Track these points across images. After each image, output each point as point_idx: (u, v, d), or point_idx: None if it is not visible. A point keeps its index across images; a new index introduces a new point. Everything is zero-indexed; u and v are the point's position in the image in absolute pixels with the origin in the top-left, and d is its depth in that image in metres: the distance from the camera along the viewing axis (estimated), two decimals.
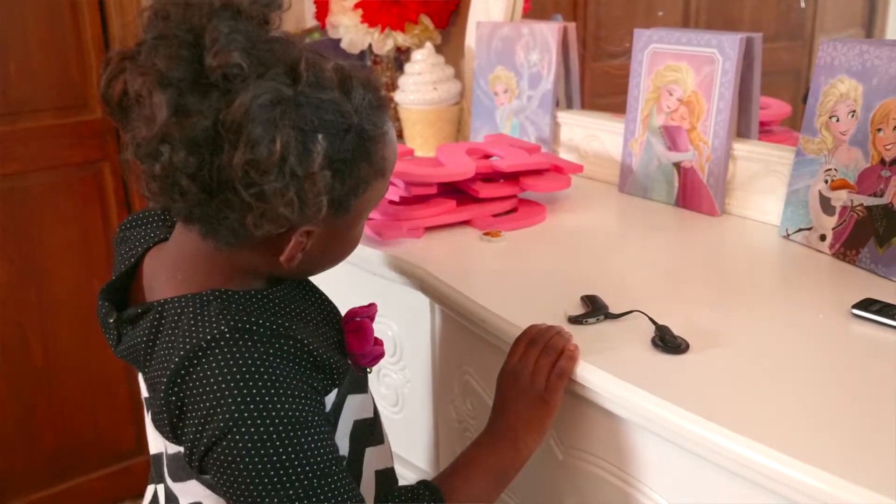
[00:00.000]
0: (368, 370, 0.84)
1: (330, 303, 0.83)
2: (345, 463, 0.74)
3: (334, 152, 0.67)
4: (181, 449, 0.71)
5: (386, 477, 0.85)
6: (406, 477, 1.11)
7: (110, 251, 2.14)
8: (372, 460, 0.83)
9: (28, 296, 1.99)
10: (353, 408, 0.80)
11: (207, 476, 0.71)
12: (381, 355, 0.83)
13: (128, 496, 2.23)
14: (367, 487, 0.82)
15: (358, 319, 0.81)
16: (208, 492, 0.75)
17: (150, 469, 0.86)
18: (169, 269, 0.77)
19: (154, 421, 0.74)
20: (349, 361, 0.79)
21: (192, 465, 0.70)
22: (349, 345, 0.80)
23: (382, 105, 0.73)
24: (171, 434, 0.71)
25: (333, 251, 0.78)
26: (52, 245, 2.01)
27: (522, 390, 0.80)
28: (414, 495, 0.76)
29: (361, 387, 0.82)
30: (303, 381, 0.69)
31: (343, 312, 0.83)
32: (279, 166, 0.63)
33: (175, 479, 0.78)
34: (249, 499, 0.66)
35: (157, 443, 0.81)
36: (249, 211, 0.64)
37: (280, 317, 0.73)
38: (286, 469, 0.66)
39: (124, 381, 2.17)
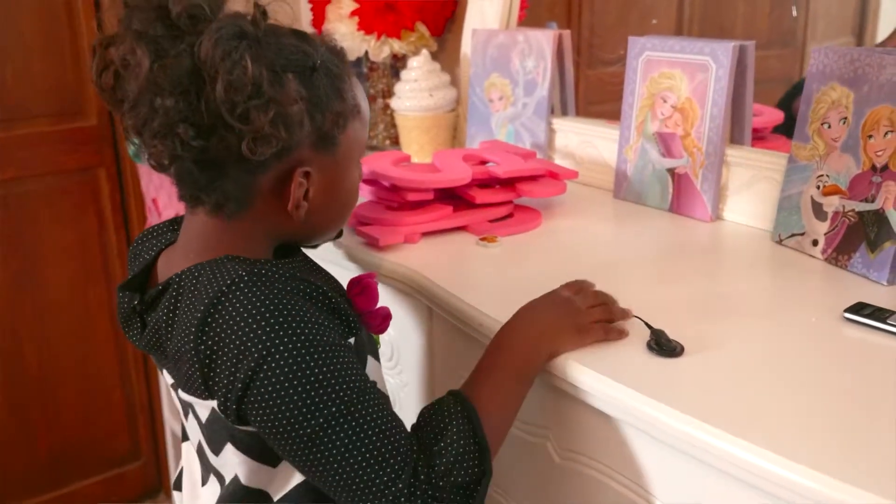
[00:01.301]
0: (378, 342, 0.88)
1: (335, 279, 0.88)
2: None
3: (306, 89, 0.73)
4: (215, 406, 0.73)
5: None
6: None
7: (106, 256, 2.17)
8: None
9: (24, 301, 1.99)
10: (373, 372, 0.83)
11: (244, 428, 0.73)
12: (389, 316, 0.89)
13: (123, 501, 2.23)
14: None
15: (363, 282, 0.86)
16: (242, 457, 0.77)
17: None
18: (180, 255, 0.81)
19: (185, 385, 0.76)
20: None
21: (229, 415, 0.72)
22: (357, 306, 0.85)
23: (341, 53, 0.81)
24: (203, 388, 0.73)
25: (333, 201, 0.83)
26: (48, 250, 2.01)
27: (568, 312, 0.83)
28: (441, 406, 0.77)
29: (377, 355, 0.86)
30: (323, 315, 0.73)
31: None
32: (255, 87, 0.69)
33: (216, 449, 0.79)
34: (291, 429, 0.69)
35: (194, 433, 0.83)
36: (243, 139, 0.70)
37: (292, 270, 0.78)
38: (325, 389, 0.69)
39: (119, 386, 2.17)
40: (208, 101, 0.69)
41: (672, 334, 0.81)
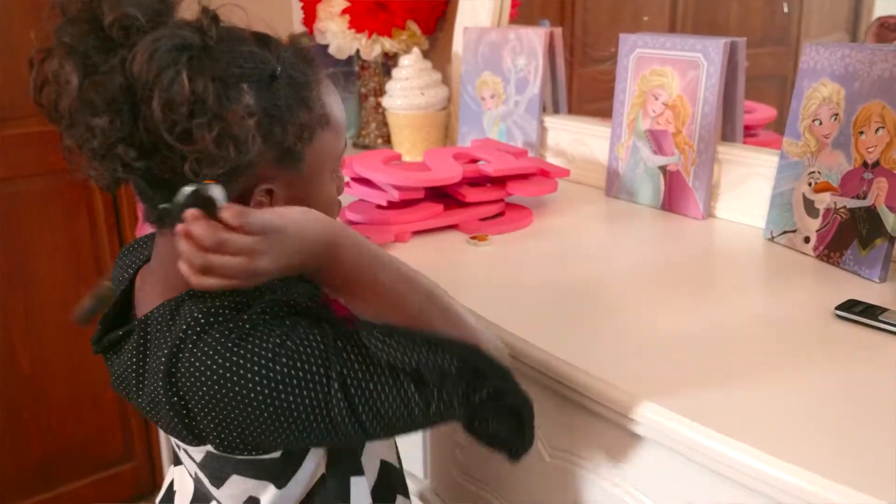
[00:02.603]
0: None
1: (317, 288, 0.81)
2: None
3: (265, 100, 0.67)
4: (210, 448, 0.71)
5: (388, 470, 0.84)
6: None
7: (98, 258, 2.16)
8: (377, 447, 0.83)
9: (15, 302, 1.98)
10: None
11: (248, 457, 0.72)
12: None
13: (116, 502, 2.22)
14: (370, 474, 0.82)
15: None
16: (252, 482, 0.75)
17: None
18: (152, 281, 0.77)
19: (172, 433, 0.73)
20: None
21: (236, 450, 0.70)
22: (336, 311, 0.79)
23: (309, 58, 0.74)
24: (191, 437, 0.71)
25: None
26: (40, 251, 2.00)
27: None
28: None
29: None
30: (286, 329, 0.68)
31: None
32: (196, 103, 0.63)
33: (218, 483, 0.77)
34: (291, 436, 0.67)
35: (190, 462, 0.80)
36: (186, 160, 0.64)
37: (256, 293, 0.72)
38: (305, 390, 0.66)
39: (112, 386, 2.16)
40: (146, 120, 0.63)
41: (663, 333, 0.81)
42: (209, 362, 0.66)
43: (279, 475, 0.75)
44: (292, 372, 0.65)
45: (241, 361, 0.66)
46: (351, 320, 0.74)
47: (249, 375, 0.65)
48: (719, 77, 1.15)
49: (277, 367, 0.65)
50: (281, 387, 0.65)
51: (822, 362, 0.78)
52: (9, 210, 1.94)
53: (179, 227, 0.63)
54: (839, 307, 0.85)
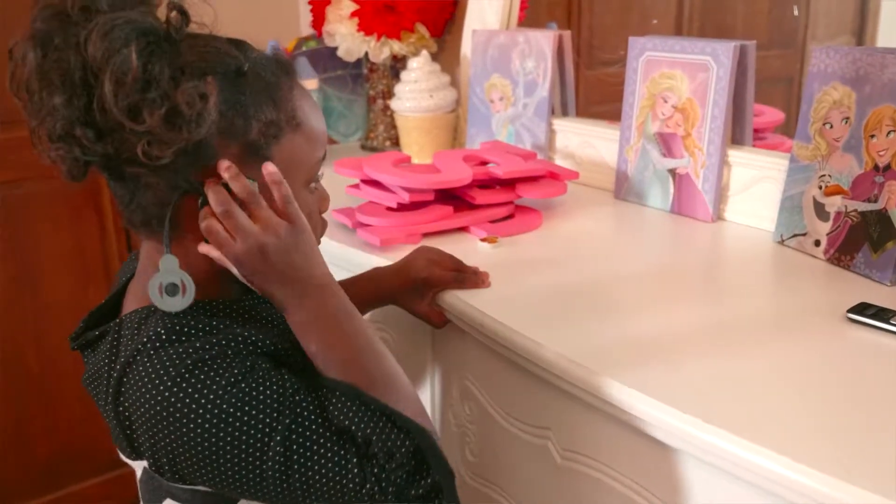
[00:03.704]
0: None
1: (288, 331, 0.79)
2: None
3: (227, 92, 0.67)
4: (146, 465, 0.71)
5: None
6: None
7: (106, 260, 2.16)
8: None
9: (23, 303, 1.99)
10: None
11: (184, 486, 0.70)
12: None
13: (123, 503, 2.22)
14: None
15: None
16: None
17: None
18: (134, 287, 0.78)
19: (115, 442, 0.74)
20: None
21: (164, 474, 0.69)
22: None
23: (285, 65, 0.75)
24: (130, 449, 0.71)
25: None
26: (47, 253, 2.01)
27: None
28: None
29: None
30: (244, 370, 0.68)
31: None
32: (146, 82, 0.63)
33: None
34: (235, 481, 0.66)
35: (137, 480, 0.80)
36: (139, 142, 0.64)
37: (231, 320, 0.72)
38: (247, 430, 0.66)
39: None
40: (100, 100, 0.63)
41: (674, 335, 0.81)
42: (157, 381, 0.66)
43: None
44: (237, 414, 0.65)
45: (190, 390, 0.65)
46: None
47: (193, 406, 0.65)
48: (729, 80, 1.16)
49: (224, 406, 0.65)
50: (222, 426, 0.65)
51: (835, 365, 0.78)
52: (17, 212, 1.95)
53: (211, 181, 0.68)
54: (851, 310, 0.85)
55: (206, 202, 0.69)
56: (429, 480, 0.68)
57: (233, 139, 0.69)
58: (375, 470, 0.67)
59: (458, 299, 0.95)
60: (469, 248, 1.12)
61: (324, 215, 0.82)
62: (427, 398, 1.11)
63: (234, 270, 0.70)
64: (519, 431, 0.92)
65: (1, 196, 1.92)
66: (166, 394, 0.65)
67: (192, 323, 0.69)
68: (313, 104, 0.76)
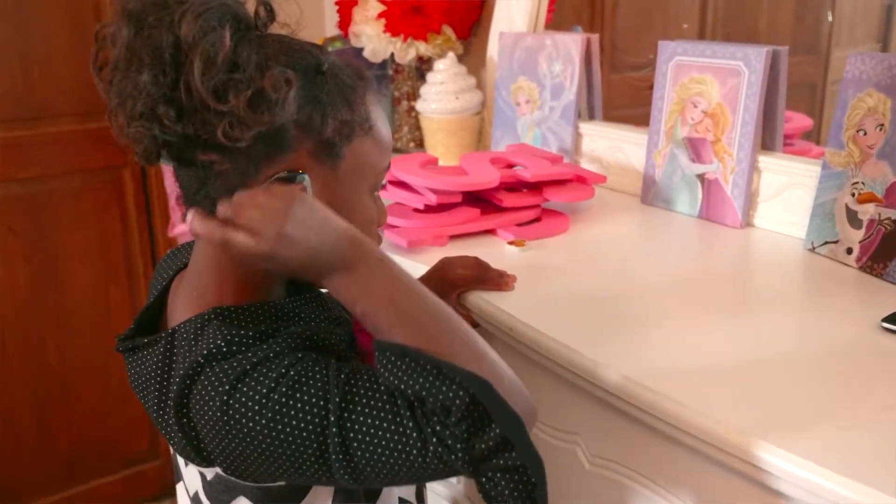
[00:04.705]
0: None
1: (346, 314, 0.80)
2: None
3: (308, 87, 0.69)
4: (218, 471, 0.71)
5: None
6: (435, 489, 1.10)
7: (128, 256, 2.18)
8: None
9: (46, 299, 2.00)
10: None
11: (259, 484, 0.71)
12: None
13: (141, 500, 2.23)
14: None
15: None
16: None
17: None
18: (185, 290, 0.77)
19: (180, 451, 0.73)
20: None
21: (241, 476, 0.70)
22: (361, 343, 0.79)
23: (360, 72, 0.75)
24: (199, 458, 0.71)
25: None
26: (71, 249, 2.02)
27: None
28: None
29: None
30: (293, 360, 0.67)
31: None
32: (233, 62, 0.65)
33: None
34: (287, 469, 0.66)
35: (191, 481, 0.79)
36: (220, 123, 0.65)
37: (280, 322, 0.72)
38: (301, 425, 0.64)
39: None
40: (188, 80, 0.65)
41: (703, 343, 0.80)
42: (219, 392, 0.66)
43: (288, 502, 0.74)
44: (290, 402, 0.64)
45: (243, 399, 0.65)
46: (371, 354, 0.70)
47: (247, 412, 0.65)
48: (760, 85, 1.15)
49: (275, 397, 0.64)
50: (278, 417, 0.64)
51: (871, 374, 0.77)
52: (41, 208, 1.96)
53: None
54: (886, 319, 0.84)
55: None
56: (496, 432, 0.62)
57: (309, 134, 0.70)
58: (438, 428, 0.62)
59: (487, 302, 0.95)
60: (496, 251, 1.12)
61: None
62: None
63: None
64: (547, 436, 0.91)
65: (25, 193, 1.93)
66: (228, 402, 0.65)
67: (246, 332, 0.69)
68: (382, 113, 0.77)
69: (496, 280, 0.97)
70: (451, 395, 0.62)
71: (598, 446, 0.85)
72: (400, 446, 0.63)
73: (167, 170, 1.93)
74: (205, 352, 0.67)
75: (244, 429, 0.65)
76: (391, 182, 1.23)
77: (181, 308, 0.75)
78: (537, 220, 1.22)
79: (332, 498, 0.75)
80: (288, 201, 0.65)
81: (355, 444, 0.64)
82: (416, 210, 1.18)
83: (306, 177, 0.70)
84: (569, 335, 0.85)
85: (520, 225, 1.20)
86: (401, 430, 0.63)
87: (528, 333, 0.87)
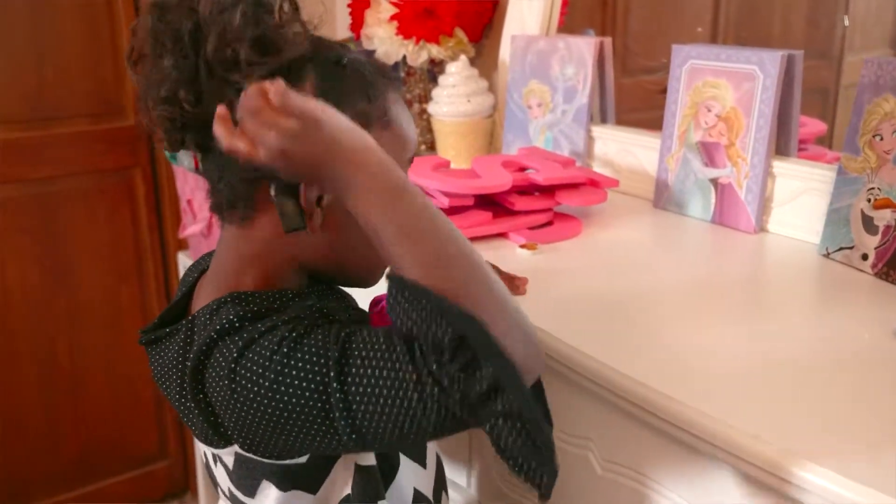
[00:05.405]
0: None
1: (360, 308, 0.82)
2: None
3: (326, 78, 0.70)
4: (238, 450, 0.71)
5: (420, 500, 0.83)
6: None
7: (139, 257, 2.18)
8: (410, 475, 0.82)
9: (57, 299, 2.01)
10: None
11: (279, 462, 0.71)
12: None
13: (150, 500, 2.24)
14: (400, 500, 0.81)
15: (383, 303, 0.80)
16: (284, 495, 0.73)
17: None
18: (208, 285, 0.78)
19: (201, 437, 0.74)
20: None
21: (257, 451, 0.70)
22: (373, 323, 0.78)
23: (384, 70, 0.76)
24: (217, 437, 0.71)
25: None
26: (82, 249, 2.03)
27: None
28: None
29: None
30: (295, 325, 0.67)
31: None
32: (244, 33, 0.66)
33: (251, 493, 0.76)
34: (295, 434, 0.65)
35: (222, 479, 0.80)
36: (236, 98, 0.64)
37: (296, 307, 0.72)
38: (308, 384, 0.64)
39: (149, 385, 2.18)
40: (205, 55, 0.67)
41: (716, 347, 0.80)
42: (224, 363, 0.66)
43: (310, 485, 0.74)
44: (290, 362, 0.63)
45: (249, 364, 0.65)
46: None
47: (254, 368, 0.65)
48: (775, 90, 1.14)
49: (277, 358, 0.64)
50: (280, 378, 0.63)
51: (886, 382, 0.76)
52: (53, 208, 1.97)
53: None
54: None
55: (278, 187, 0.68)
56: (489, 372, 0.59)
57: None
58: (434, 367, 0.59)
59: None
60: (508, 255, 1.11)
61: None
62: None
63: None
64: (558, 441, 0.90)
65: (37, 193, 1.95)
66: (235, 369, 0.65)
67: (259, 309, 0.70)
68: (406, 110, 0.77)
69: (507, 283, 0.97)
70: (439, 332, 0.59)
71: (610, 451, 0.84)
72: (400, 392, 0.60)
73: (178, 171, 1.94)
74: (217, 327, 0.68)
75: (250, 394, 0.65)
76: None
77: (204, 300, 0.76)
78: (549, 223, 1.22)
79: (350, 486, 0.75)
80: (290, 121, 0.61)
81: (357, 398, 0.62)
82: None
83: None
84: (581, 339, 0.84)
85: (532, 228, 1.19)
86: (399, 374, 0.60)
87: (540, 337, 0.87)
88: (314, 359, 0.63)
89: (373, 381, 0.61)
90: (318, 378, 0.63)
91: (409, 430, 0.62)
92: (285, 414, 0.64)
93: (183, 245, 2.05)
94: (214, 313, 0.71)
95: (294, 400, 0.63)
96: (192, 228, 1.78)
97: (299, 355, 0.64)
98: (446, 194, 1.16)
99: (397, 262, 0.63)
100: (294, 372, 0.63)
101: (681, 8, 1.79)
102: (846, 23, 1.46)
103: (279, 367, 0.64)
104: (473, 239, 1.16)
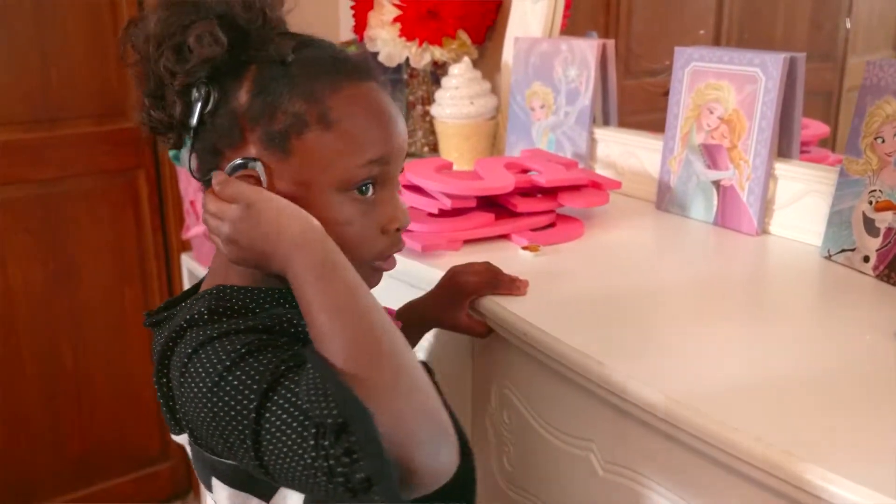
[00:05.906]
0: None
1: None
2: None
3: (261, 77, 0.72)
4: (191, 443, 0.73)
5: None
6: None
7: (142, 258, 2.18)
8: None
9: (61, 299, 2.01)
10: None
11: (223, 459, 0.70)
12: None
13: (154, 500, 2.24)
14: None
15: None
16: (229, 490, 0.73)
17: None
18: (207, 276, 0.80)
19: (166, 418, 0.76)
20: None
21: (199, 443, 0.71)
22: None
23: (349, 67, 0.74)
24: (173, 422, 0.73)
25: None
26: (86, 250, 2.03)
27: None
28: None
29: None
30: (248, 335, 0.67)
31: None
32: (164, 42, 0.71)
33: (207, 484, 0.76)
34: (221, 439, 0.65)
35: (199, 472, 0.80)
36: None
37: (278, 306, 0.73)
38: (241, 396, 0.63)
39: (152, 385, 2.18)
40: (153, 70, 0.72)
41: (718, 349, 0.80)
42: (182, 354, 0.68)
43: (259, 489, 0.72)
44: (228, 377, 0.63)
45: (202, 355, 0.66)
46: None
47: (200, 370, 0.66)
48: (777, 92, 1.14)
49: (219, 368, 0.64)
50: (215, 389, 0.64)
51: (887, 384, 0.76)
52: (57, 209, 1.98)
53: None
54: None
55: None
56: (366, 464, 0.58)
57: (255, 124, 0.72)
58: (326, 444, 0.58)
59: (500, 307, 0.95)
60: (510, 256, 1.12)
61: None
62: (464, 405, 1.11)
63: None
64: (560, 442, 0.91)
65: (41, 193, 1.95)
66: (186, 365, 0.67)
67: (231, 305, 0.71)
68: (372, 110, 0.74)
69: (508, 284, 0.97)
70: (325, 412, 0.59)
71: (611, 452, 0.84)
72: (299, 451, 0.60)
73: (182, 172, 1.94)
74: (188, 316, 0.70)
75: (193, 389, 0.66)
76: (405, 186, 1.23)
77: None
78: (552, 225, 1.22)
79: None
80: (231, 207, 0.69)
81: (267, 437, 0.61)
82: (431, 214, 1.19)
83: (259, 164, 0.71)
84: (583, 340, 0.84)
85: (534, 230, 1.19)
86: (303, 434, 0.60)
87: (541, 338, 0.87)
88: (247, 382, 0.63)
89: (283, 428, 0.61)
90: (243, 402, 0.63)
91: (307, 488, 0.62)
92: (214, 422, 0.65)
93: (186, 246, 2.06)
94: (195, 302, 0.73)
95: (221, 414, 0.64)
96: (195, 230, 1.78)
97: (238, 373, 0.64)
98: (449, 196, 1.17)
99: (320, 335, 0.64)
100: (228, 388, 0.64)
101: (683, 10, 1.79)
102: (848, 25, 1.46)
103: (216, 379, 0.64)
104: (475, 241, 1.16)
